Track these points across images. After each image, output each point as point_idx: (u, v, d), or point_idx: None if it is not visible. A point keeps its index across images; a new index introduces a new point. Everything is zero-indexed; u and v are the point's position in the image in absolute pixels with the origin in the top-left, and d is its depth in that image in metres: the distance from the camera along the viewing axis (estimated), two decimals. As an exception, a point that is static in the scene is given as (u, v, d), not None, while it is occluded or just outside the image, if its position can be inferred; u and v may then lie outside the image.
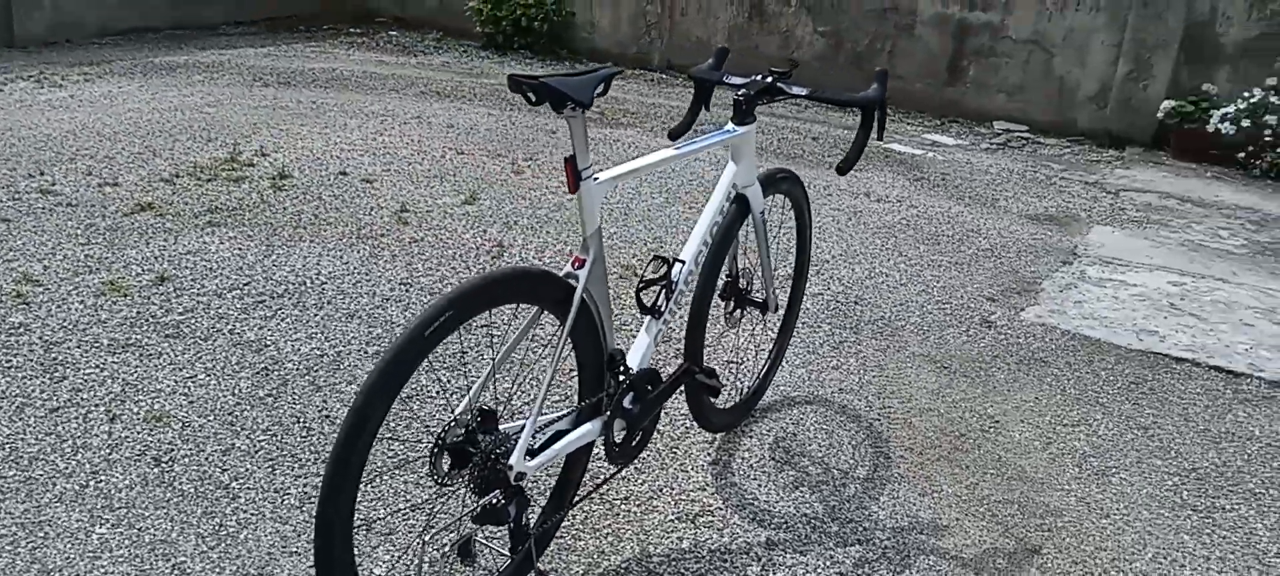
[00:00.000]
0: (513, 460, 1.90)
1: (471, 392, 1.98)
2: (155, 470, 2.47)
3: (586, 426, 2.14)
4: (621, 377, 2.20)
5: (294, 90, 6.79)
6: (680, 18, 8.35)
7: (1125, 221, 5.03)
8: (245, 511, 2.35)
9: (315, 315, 3.41)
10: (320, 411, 2.81)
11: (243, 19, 9.25)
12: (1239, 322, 3.81)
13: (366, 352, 3.18)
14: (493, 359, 2.04)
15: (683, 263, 2.36)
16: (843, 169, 2.47)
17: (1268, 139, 5.84)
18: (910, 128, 6.92)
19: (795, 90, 2.50)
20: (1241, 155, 5.96)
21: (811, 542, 2.39)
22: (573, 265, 2.07)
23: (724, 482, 2.60)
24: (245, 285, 3.60)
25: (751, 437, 2.82)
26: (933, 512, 2.54)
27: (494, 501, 1.87)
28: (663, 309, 2.33)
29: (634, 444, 2.29)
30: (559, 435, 2.09)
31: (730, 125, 2.52)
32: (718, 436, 2.81)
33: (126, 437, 2.59)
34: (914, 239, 4.60)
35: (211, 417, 2.72)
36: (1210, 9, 6.28)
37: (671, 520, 2.43)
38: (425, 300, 3.59)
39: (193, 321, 3.27)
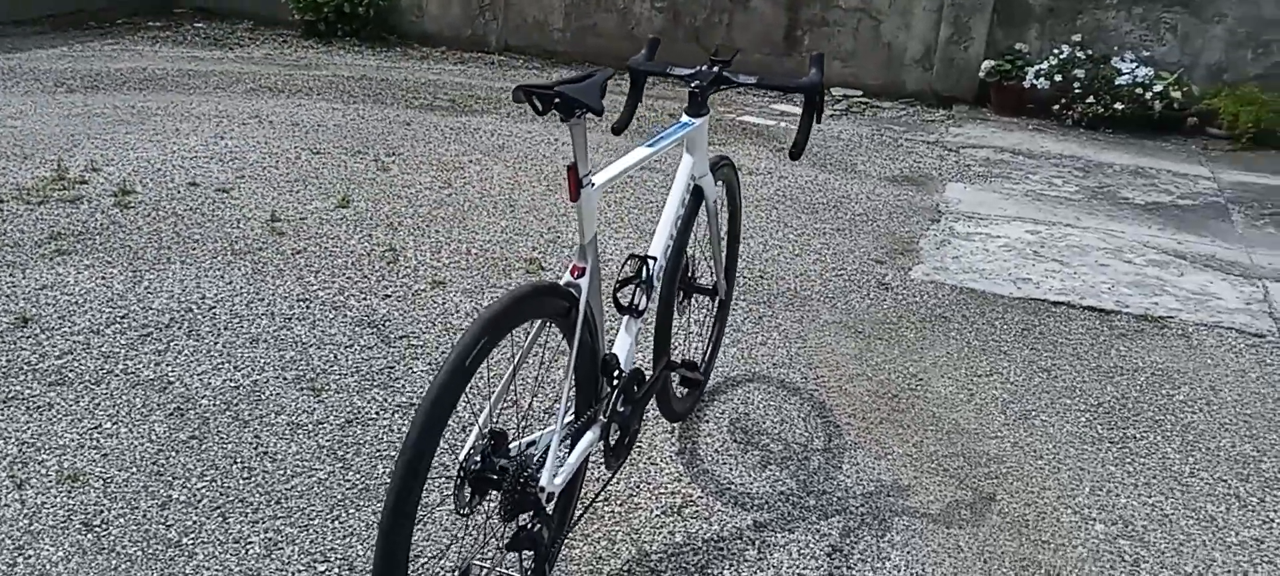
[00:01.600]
0: (543, 480, 1.84)
1: (482, 416, 1.90)
2: (90, 536, 2.21)
3: (589, 434, 2.10)
4: (615, 381, 2.17)
5: (106, 95, 6.19)
6: (514, -2, 8.21)
7: (972, 177, 5.41)
8: (208, 568, 2.15)
9: (214, 344, 3.15)
10: (256, 448, 2.61)
11: (24, 17, 8.31)
12: (1095, 264, 4.19)
13: (286, 378, 2.97)
14: (487, 379, 1.96)
15: (655, 259, 2.35)
16: (795, 153, 2.53)
17: (1077, 92, 6.42)
18: (758, 99, 7.13)
19: (743, 79, 2.52)
20: (1055, 107, 6.53)
21: (795, 519, 2.45)
22: (572, 274, 2.02)
23: (697, 471, 2.62)
24: (122, 318, 3.27)
25: (708, 423, 2.86)
26: (892, 474, 2.67)
27: (529, 525, 1.81)
28: (641, 307, 2.31)
29: (625, 445, 2.27)
30: (570, 447, 2.04)
31: (685, 117, 2.52)
32: (677, 426, 2.82)
33: (44, 504, 2.30)
34: (794, 209, 4.76)
35: (135, 470, 2.47)
36: (1017, -26, 6.82)
37: (658, 515, 2.43)
38: (331, 315, 3.39)
39: (76, 364, 2.94)
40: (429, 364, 3.12)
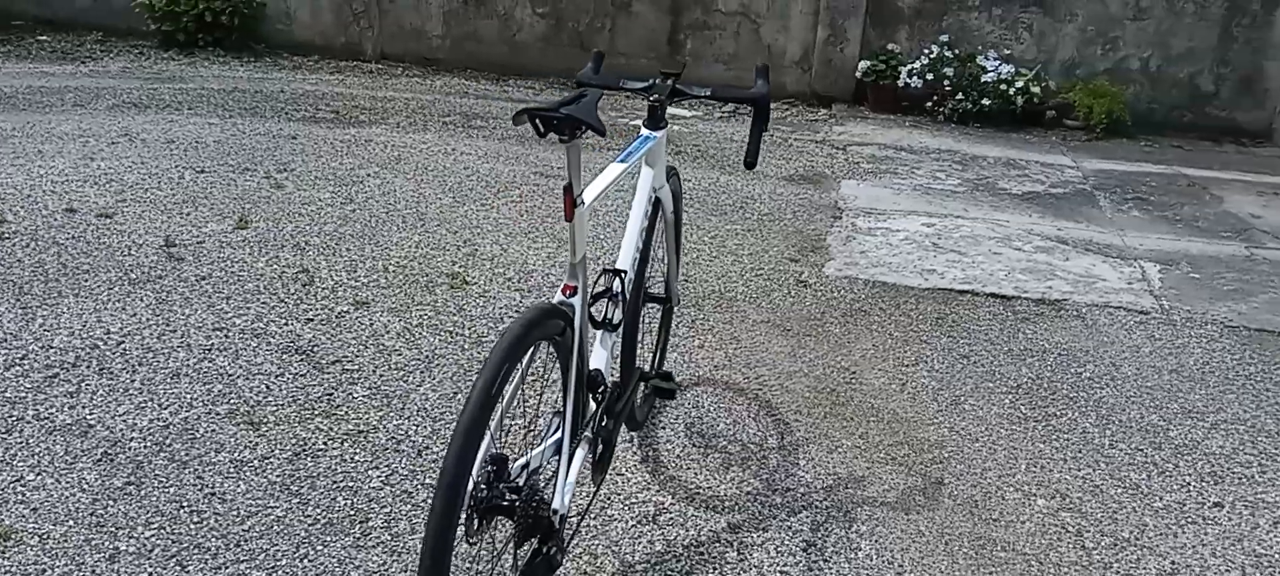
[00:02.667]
0: (556, 503, 1.82)
1: (483, 443, 1.87)
2: (38, 601, 2.05)
3: (581, 451, 2.09)
4: (600, 396, 2.17)
5: (-50, 115, 5.68)
6: (390, 4, 8.00)
7: (863, 174, 5.64)
8: (178, 623, 2.03)
9: (130, 381, 2.96)
10: (201, 490, 2.47)
11: None
12: (990, 253, 4.45)
13: (218, 413, 2.82)
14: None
15: (625, 272, 2.36)
16: (750, 163, 2.58)
17: (947, 89, 6.79)
18: (646, 103, 7.19)
19: (697, 91, 2.56)
20: (928, 104, 6.88)
21: (766, 518, 2.51)
22: (565, 293, 2.02)
23: (664, 479, 2.65)
24: (21, 359, 3.03)
25: (665, 429, 2.88)
26: (846, 467, 2.77)
27: (547, 550, 1.79)
28: (616, 320, 2.32)
29: (607, 458, 2.28)
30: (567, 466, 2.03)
31: (645, 131, 2.54)
32: (636, 435, 2.84)
33: (-23, 571, 2.12)
34: (703, 211, 4.84)
35: (72, 523, 2.30)
36: (886, -22, 7.15)
37: (634, 526, 2.44)
38: (254, 344, 3.24)
39: (-20, 414, 2.71)
40: (368, 388, 3.03)
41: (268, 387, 3.00)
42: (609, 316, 2.32)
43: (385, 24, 8.06)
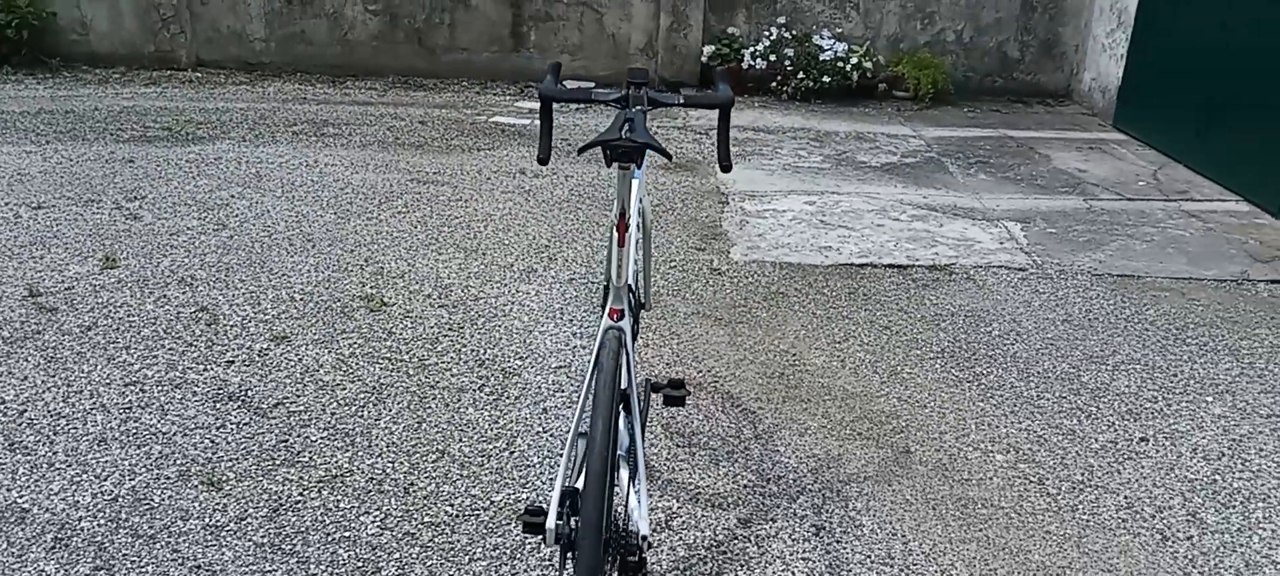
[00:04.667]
0: (643, 528, 1.82)
1: (558, 479, 1.84)
2: None
3: (625, 469, 2.08)
4: (629, 412, 2.16)
5: None
6: (203, 7, 7.42)
7: (733, 157, 5.81)
8: None
9: (52, 454, 2.66)
10: (183, 564, 2.27)
11: None
12: (873, 225, 4.72)
13: (168, 477, 2.59)
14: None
15: (632, 286, 2.36)
16: (725, 165, 2.63)
17: (788, 69, 7.08)
18: (497, 98, 7.08)
19: (668, 98, 2.57)
20: (772, 84, 7.15)
21: (770, 507, 2.59)
22: (612, 317, 1.99)
23: (662, 482, 2.67)
24: (-93, 446, 2.65)
25: (646, 432, 2.90)
26: (822, 447, 2.89)
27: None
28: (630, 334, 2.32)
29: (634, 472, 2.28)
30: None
31: None
32: (621, 442, 2.84)
33: (-40, 697, 1.86)
34: (600, 207, 4.84)
35: (51, 625, 2.06)
36: (722, -37, 7.35)
37: (653, 536, 2.45)
38: (179, 396, 2.98)
39: (-115, 515, 2.36)
40: (325, 429, 2.86)
41: (213, 442, 2.77)
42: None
43: (199, 28, 7.48)
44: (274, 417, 2.91)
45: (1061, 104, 7.43)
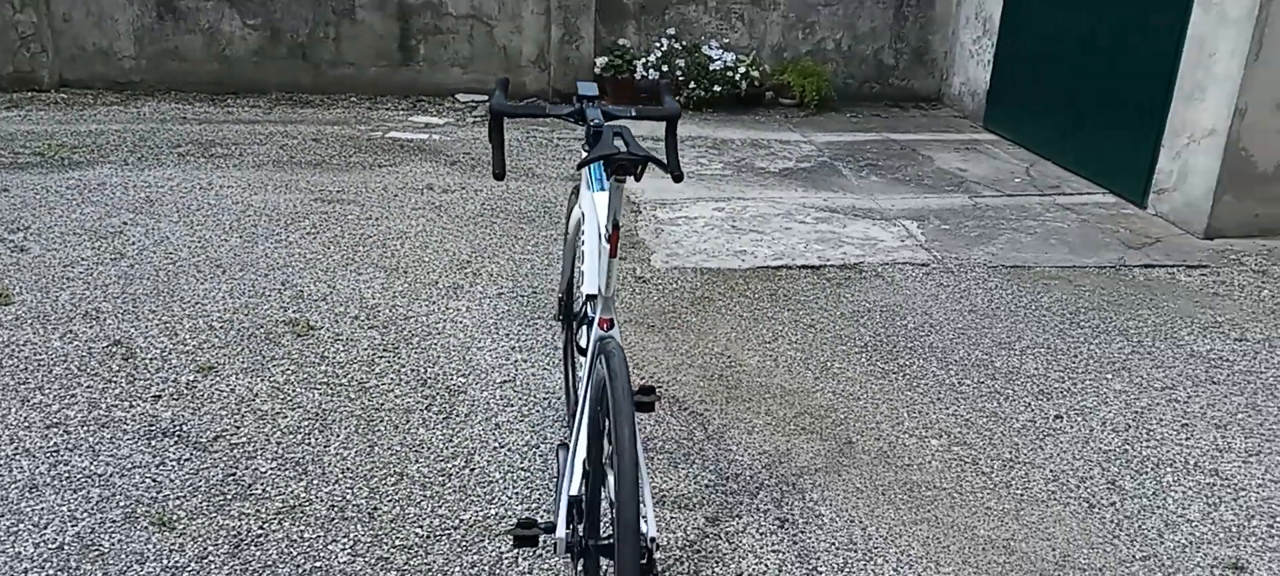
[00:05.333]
0: (652, 530, 1.86)
1: (571, 486, 1.88)
2: None
3: (612, 474, 2.13)
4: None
5: None
6: (65, 24, 7.01)
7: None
8: None
9: (-20, 505, 2.50)
10: (151, 609, 2.18)
11: None
12: (782, 228, 4.89)
13: (113, 520, 2.48)
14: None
15: (599, 296, 2.40)
16: (677, 177, 2.70)
17: (680, 79, 7.24)
18: (389, 113, 6.95)
19: (620, 110, 2.63)
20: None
21: (733, 504, 2.67)
22: (603, 327, 2.03)
23: (627, 488, 2.71)
24: None
25: (601, 441, 2.94)
26: (771, 443, 3.00)
27: (648, 577, 1.83)
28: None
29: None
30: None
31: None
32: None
33: None
34: (513, 220, 4.84)
35: (15, 685, 1.94)
36: (610, -24, 7.45)
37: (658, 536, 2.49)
38: (108, 435, 2.84)
39: None
40: (273, 460, 2.78)
41: (155, 480, 2.66)
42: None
43: (62, 46, 7.06)
44: (216, 451, 2.81)
45: (934, 107, 7.85)
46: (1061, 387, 3.41)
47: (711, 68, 7.27)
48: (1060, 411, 3.25)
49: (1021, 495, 2.80)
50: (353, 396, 3.15)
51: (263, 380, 3.22)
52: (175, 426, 2.92)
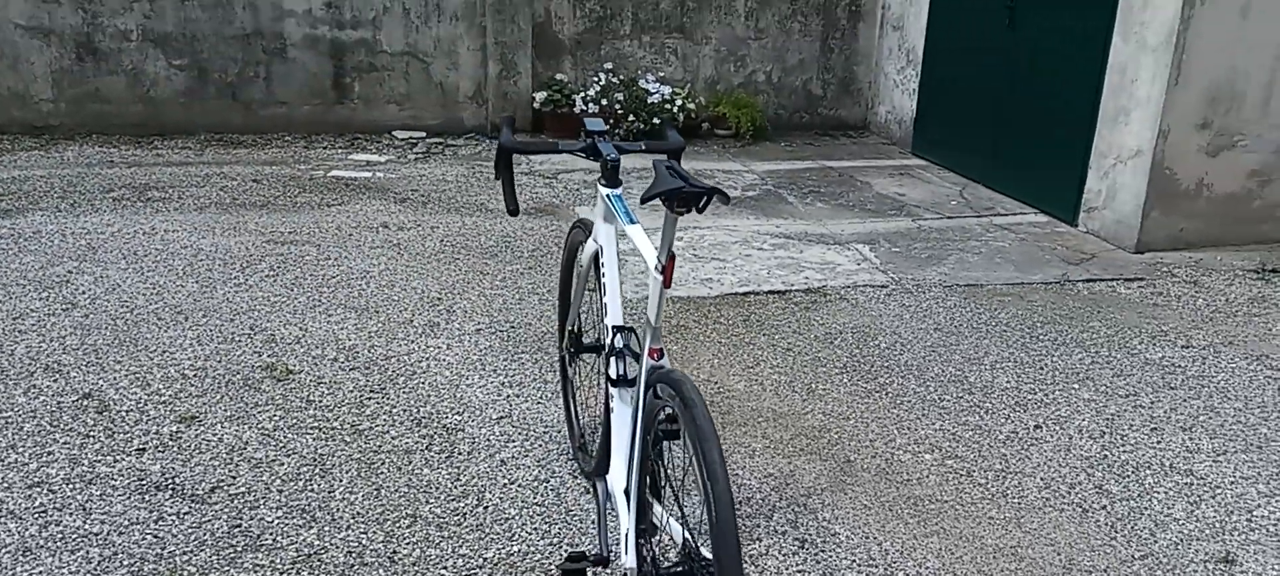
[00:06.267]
0: (710, 553, 1.88)
1: (629, 515, 1.88)
2: None
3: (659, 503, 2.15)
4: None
5: None
6: (-25, 67, 6.67)
7: (588, 199, 5.93)
8: None
9: (-29, 573, 2.35)
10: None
11: None
12: (743, 256, 4.99)
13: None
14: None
15: (628, 328, 2.42)
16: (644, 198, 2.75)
17: (619, 112, 7.31)
18: (327, 152, 6.82)
19: (630, 145, 2.67)
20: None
21: (750, 527, 2.71)
22: (653, 358, 2.05)
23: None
24: None
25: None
26: (774, 466, 3.05)
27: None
28: (631, 376, 2.38)
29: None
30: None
31: (613, 190, 2.59)
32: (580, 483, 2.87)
33: None
34: (476, 255, 4.80)
35: None
36: (546, 11, 7.49)
37: (666, 568, 2.50)
38: (96, 492, 2.72)
39: None
40: (278, 509, 2.70)
41: (157, 536, 2.55)
42: (625, 372, 2.37)
43: (-30, 90, 6.72)
44: (215, 503, 2.71)
45: (862, 135, 8.12)
46: (1035, 399, 3.57)
47: (650, 100, 7.37)
48: (1039, 422, 3.40)
49: (1019, 503, 2.91)
50: (348, 439, 3.08)
51: (250, 428, 3.12)
52: (167, 479, 2.81)
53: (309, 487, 2.81)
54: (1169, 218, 5.16)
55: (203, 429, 3.10)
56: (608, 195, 2.59)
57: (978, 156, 6.59)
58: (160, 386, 3.35)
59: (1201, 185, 5.14)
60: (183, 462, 2.90)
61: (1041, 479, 3.05)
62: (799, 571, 2.54)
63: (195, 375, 3.45)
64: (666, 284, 2.01)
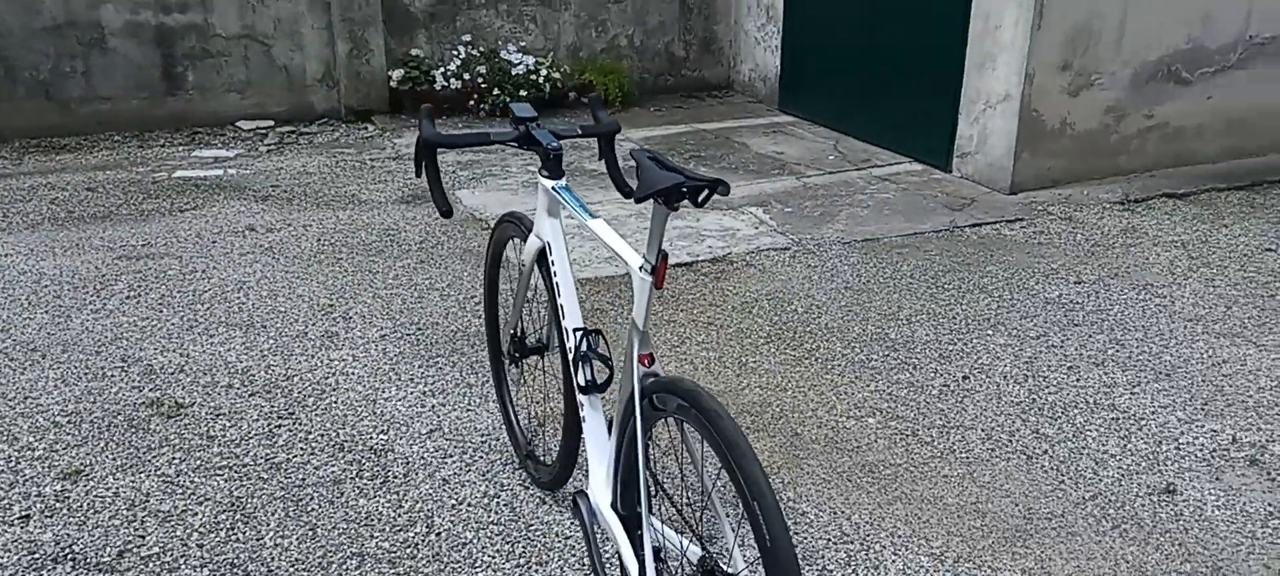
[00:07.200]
0: (740, 565, 1.78)
1: (653, 534, 1.75)
2: None
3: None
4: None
5: None
6: None
7: (466, 182, 5.64)
8: None
9: None
10: None
11: None
12: (640, 229, 4.85)
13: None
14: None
15: (596, 331, 2.27)
16: (628, 193, 2.60)
17: (483, 87, 7.01)
18: (165, 150, 6.22)
19: (568, 131, 2.49)
20: (469, 104, 7.03)
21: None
22: (645, 364, 1.91)
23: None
24: None
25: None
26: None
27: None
28: (602, 380, 2.23)
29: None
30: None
31: (556, 182, 2.41)
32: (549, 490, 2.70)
33: None
34: (360, 254, 4.47)
35: None
36: (395, -16, 7.08)
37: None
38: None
39: None
40: (202, 565, 2.41)
41: (65, 620, 2.22)
42: (594, 378, 2.22)
43: None
44: (127, 568, 2.39)
45: (727, 95, 8.12)
46: (955, 349, 3.63)
47: (514, 72, 7.10)
48: (966, 372, 3.46)
49: (967, 458, 2.95)
50: (266, 476, 2.79)
51: (148, 476, 2.77)
52: (64, 549, 2.45)
53: (233, 537, 2.52)
54: (1037, 158, 5.39)
55: (92, 483, 2.73)
56: (553, 188, 2.42)
57: (847, 109, 6.69)
58: (30, 439, 2.94)
59: (1065, 124, 5.38)
60: (77, 526, 2.54)
61: (982, 430, 3.09)
62: (742, 553, 2.47)
63: (69, 421, 3.04)
64: (658, 285, 1.87)
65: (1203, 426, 3.10)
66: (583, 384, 2.21)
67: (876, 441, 3.03)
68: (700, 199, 1.74)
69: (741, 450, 1.62)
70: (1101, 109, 5.44)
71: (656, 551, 1.87)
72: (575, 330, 2.27)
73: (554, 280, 2.38)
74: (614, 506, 2.10)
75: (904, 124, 6.14)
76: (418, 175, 2.60)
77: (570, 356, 2.27)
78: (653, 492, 2.06)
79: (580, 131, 2.52)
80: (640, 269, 1.91)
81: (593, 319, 3.84)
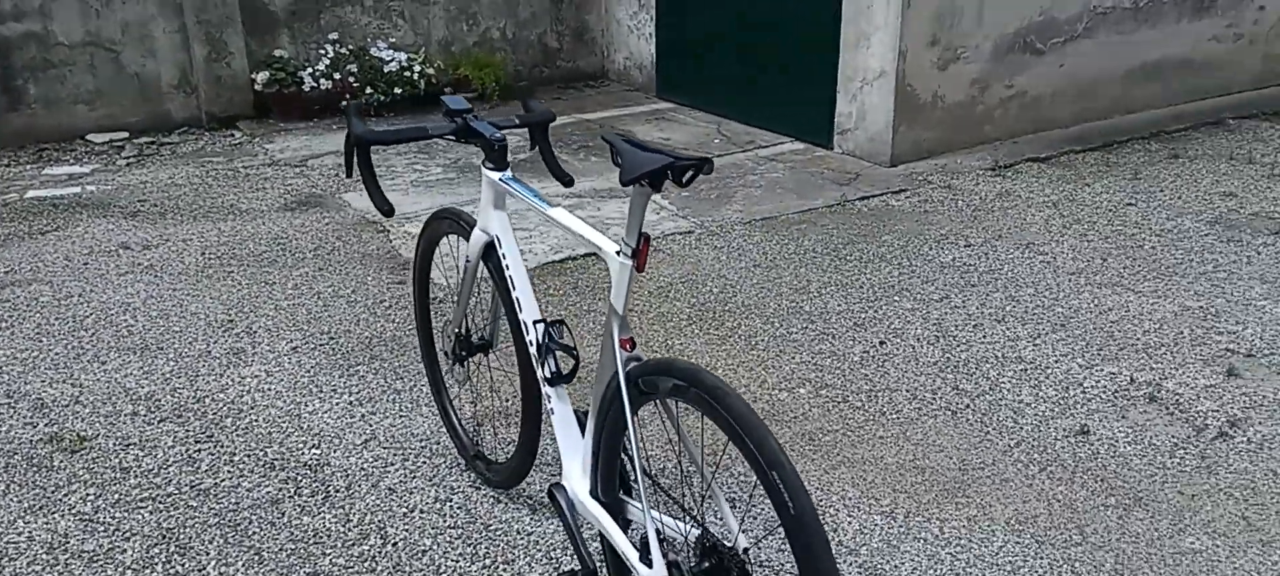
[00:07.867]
0: (743, 542, 1.80)
1: (653, 521, 1.75)
2: None
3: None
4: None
5: None
6: None
7: (352, 186, 5.45)
8: None
9: None
10: None
11: None
12: (543, 221, 4.81)
13: None
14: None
15: (559, 321, 2.24)
16: (566, 180, 2.58)
17: (355, 86, 6.77)
18: (12, 170, 5.73)
19: (506, 122, 2.45)
20: (343, 104, 6.77)
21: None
22: (627, 348, 1.90)
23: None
24: None
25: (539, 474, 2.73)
26: (655, 430, 2.98)
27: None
28: (567, 371, 2.21)
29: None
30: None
31: (501, 174, 2.37)
32: (520, 486, 2.65)
33: None
34: (251, 264, 4.25)
35: None
36: (253, -18, 6.74)
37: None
38: None
39: None
40: (144, 604, 2.25)
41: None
42: (561, 369, 2.20)
43: None
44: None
45: (604, 84, 8.13)
46: (868, 316, 3.77)
47: (386, 70, 6.89)
48: (882, 337, 3.60)
49: (898, 419, 3.07)
50: (194, 503, 2.62)
51: (62, 515, 2.57)
52: (-21, 606, 2.25)
53: (171, 570, 2.37)
54: (913, 130, 5.64)
55: (1, 530, 2.51)
56: (501, 179, 2.38)
57: (726, 94, 6.81)
58: None
59: (936, 97, 5.65)
60: (-10, 579, 2.34)
61: (907, 391, 3.23)
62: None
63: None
64: (640, 268, 1.86)
65: (1102, 370, 3.33)
66: (549, 376, 2.18)
67: (811, 410, 3.11)
68: (685, 178, 1.74)
69: (752, 423, 1.64)
70: (968, 81, 5.74)
71: (656, 534, 1.86)
72: (535, 322, 2.24)
73: (507, 274, 2.34)
74: (594, 494, 2.08)
75: (784, 104, 6.30)
76: (348, 175, 2.52)
77: (531, 349, 2.24)
78: (630, 475, 2.06)
79: (517, 121, 2.48)
80: (618, 253, 1.89)
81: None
